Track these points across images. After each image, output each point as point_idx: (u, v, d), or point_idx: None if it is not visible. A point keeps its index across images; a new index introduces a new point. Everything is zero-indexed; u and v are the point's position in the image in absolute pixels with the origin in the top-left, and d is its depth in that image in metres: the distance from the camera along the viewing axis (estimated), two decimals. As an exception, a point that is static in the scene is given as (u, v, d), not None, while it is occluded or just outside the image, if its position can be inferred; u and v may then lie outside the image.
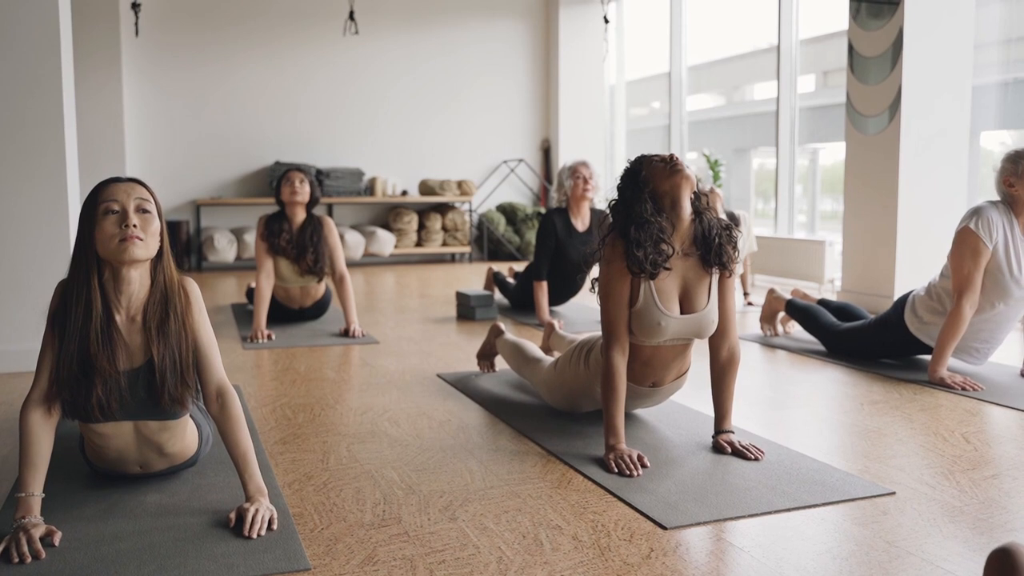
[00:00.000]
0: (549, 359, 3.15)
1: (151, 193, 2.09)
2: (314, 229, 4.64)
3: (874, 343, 3.83)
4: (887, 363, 3.79)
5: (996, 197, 3.46)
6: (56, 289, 2.09)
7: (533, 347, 3.31)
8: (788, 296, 4.40)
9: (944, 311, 3.48)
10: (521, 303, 5.36)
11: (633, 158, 2.65)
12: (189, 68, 8.36)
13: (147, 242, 2.02)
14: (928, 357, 3.75)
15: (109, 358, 2.02)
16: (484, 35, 9.30)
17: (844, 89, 5.62)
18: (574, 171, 4.92)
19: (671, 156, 2.55)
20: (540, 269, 4.91)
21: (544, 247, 4.93)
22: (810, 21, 7.22)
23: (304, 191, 4.64)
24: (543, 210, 9.19)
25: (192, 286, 2.17)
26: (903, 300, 3.74)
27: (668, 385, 2.72)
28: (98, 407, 2.03)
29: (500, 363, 3.74)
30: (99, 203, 2.00)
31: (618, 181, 2.62)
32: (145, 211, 2.03)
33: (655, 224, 2.47)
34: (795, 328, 4.52)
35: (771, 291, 4.48)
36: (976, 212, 3.37)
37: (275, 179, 8.19)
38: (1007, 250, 3.35)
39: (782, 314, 4.44)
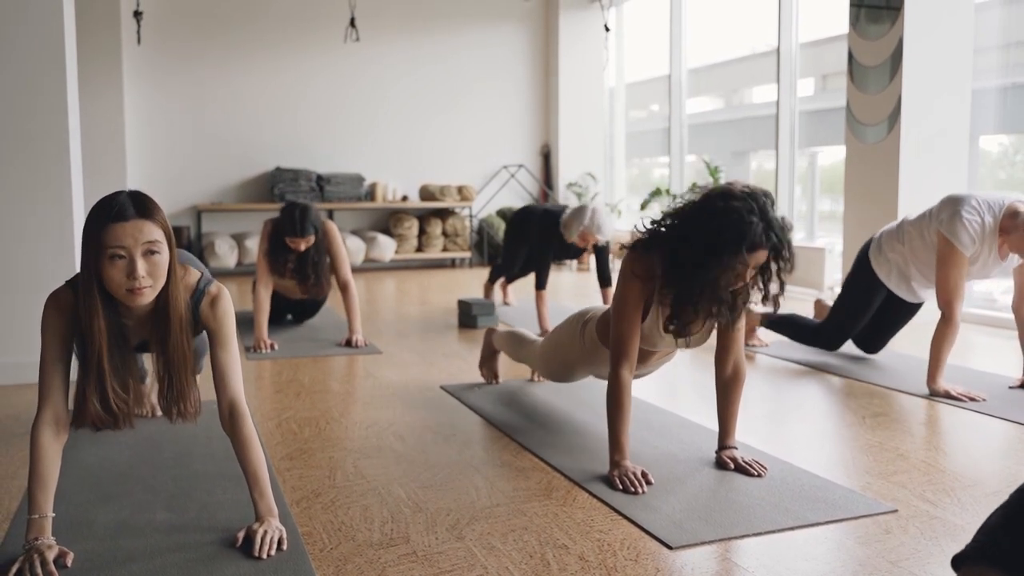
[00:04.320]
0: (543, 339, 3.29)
1: (160, 223, 1.92)
2: (317, 253, 4.57)
3: (848, 304, 3.99)
4: (887, 373, 3.81)
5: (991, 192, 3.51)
6: (49, 303, 2.01)
7: (526, 331, 3.48)
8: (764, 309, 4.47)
9: (905, 247, 3.68)
10: (507, 271, 5.79)
11: (734, 194, 2.27)
12: (190, 75, 8.38)
13: (155, 284, 1.94)
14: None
15: (122, 372, 2.02)
16: (484, 40, 9.32)
17: (843, 92, 5.65)
18: (584, 234, 4.83)
19: (789, 246, 2.32)
20: (542, 279, 4.95)
21: (544, 259, 4.99)
22: (809, 24, 7.25)
23: (308, 243, 4.54)
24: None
25: (221, 301, 2.12)
26: (866, 244, 3.95)
27: (658, 363, 2.89)
28: (120, 418, 2.06)
29: (503, 374, 3.77)
30: (104, 247, 1.87)
31: (703, 214, 2.28)
32: (153, 252, 1.91)
33: (723, 303, 2.36)
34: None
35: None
36: (958, 222, 3.37)
37: (277, 183, 8.28)
38: (980, 253, 3.42)
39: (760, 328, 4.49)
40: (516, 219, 5.57)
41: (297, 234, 4.45)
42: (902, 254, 3.71)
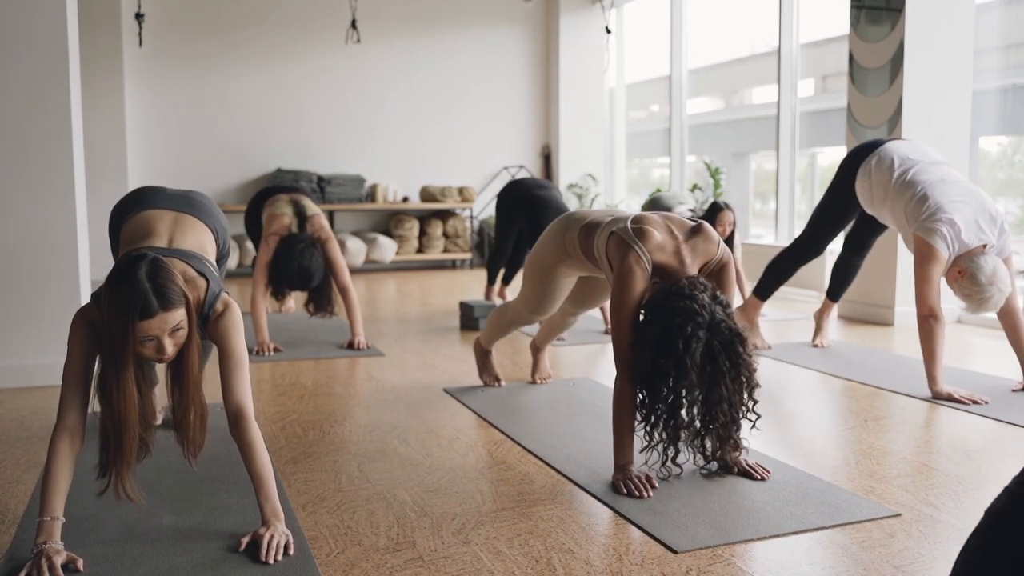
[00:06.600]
0: None
1: (182, 302, 1.99)
2: (321, 279, 4.58)
3: (829, 216, 4.19)
4: (889, 376, 3.82)
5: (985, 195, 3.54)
6: (78, 319, 2.06)
7: (501, 308, 3.53)
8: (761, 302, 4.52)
9: (888, 198, 3.73)
10: (502, 256, 5.80)
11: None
12: (191, 76, 8.39)
13: (179, 346, 2.04)
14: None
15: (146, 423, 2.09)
16: (485, 42, 9.33)
17: (843, 93, 5.66)
18: None
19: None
20: None
21: None
22: (810, 25, 7.26)
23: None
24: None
25: (224, 319, 2.18)
26: (863, 152, 3.97)
27: None
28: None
29: (504, 377, 3.77)
30: (136, 337, 1.94)
31: (706, 328, 2.33)
32: (178, 330, 2.00)
33: (679, 420, 2.40)
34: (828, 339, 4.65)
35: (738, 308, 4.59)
36: (936, 236, 3.37)
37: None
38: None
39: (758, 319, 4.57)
40: (503, 202, 5.65)
41: (299, 290, 4.60)
42: (881, 198, 3.81)
